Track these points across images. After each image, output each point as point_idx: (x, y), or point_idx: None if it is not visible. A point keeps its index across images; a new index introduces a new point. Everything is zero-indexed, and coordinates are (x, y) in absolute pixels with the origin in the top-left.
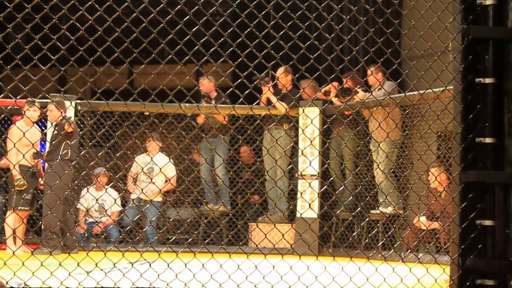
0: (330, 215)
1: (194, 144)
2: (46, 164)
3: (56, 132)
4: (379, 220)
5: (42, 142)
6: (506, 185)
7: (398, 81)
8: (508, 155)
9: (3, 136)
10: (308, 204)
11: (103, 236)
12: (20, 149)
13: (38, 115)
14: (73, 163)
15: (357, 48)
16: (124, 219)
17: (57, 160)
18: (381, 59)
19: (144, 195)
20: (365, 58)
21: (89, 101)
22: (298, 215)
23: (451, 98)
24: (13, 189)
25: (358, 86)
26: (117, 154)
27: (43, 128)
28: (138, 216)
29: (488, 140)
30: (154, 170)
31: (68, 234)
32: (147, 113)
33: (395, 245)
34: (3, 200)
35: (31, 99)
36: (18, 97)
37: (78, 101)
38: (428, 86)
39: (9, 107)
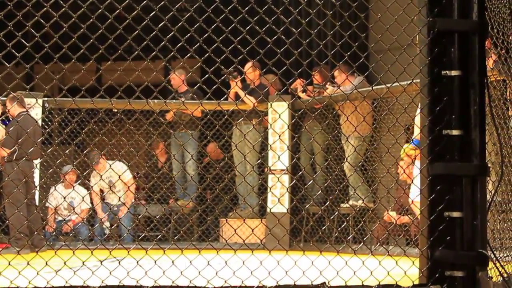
0: (300, 209)
1: (163, 140)
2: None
3: (10, 129)
4: (349, 214)
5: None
6: (473, 177)
7: (365, 74)
8: (475, 147)
9: None
10: (277, 199)
11: (72, 234)
12: None
13: None
14: (39, 161)
15: (324, 42)
16: (96, 220)
17: (20, 159)
18: (348, 53)
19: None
20: (333, 52)
21: (56, 98)
22: (268, 210)
23: (418, 91)
24: None
25: (328, 83)
26: (85, 152)
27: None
28: (106, 214)
29: (455, 132)
30: (113, 179)
31: (35, 233)
32: (115, 110)
33: (365, 239)
34: None
35: None
36: None
37: (45, 98)
38: (395, 79)
39: None
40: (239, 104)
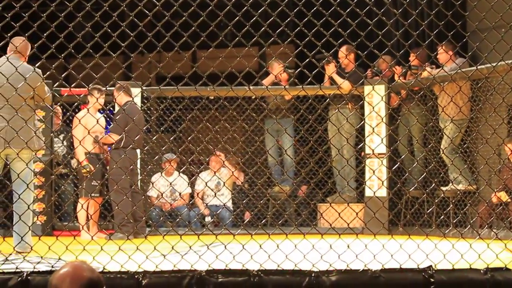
0: (398, 193)
1: (262, 126)
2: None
3: (118, 117)
4: (449, 197)
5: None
6: None
7: (469, 54)
8: None
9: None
10: (377, 183)
11: (177, 219)
12: (87, 137)
13: (101, 102)
14: (134, 149)
15: (426, 22)
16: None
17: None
18: (451, 33)
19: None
20: (435, 32)
21: (160, 87)
22: (367, 194)
23: None
24: (85, 177)
25: (426, 64)
26: (189, 138)
27: (112, 116)
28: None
29: None
30: (221, 184)
31: (143, 218)
32: (212, 97)
33: (472, 221)
34: (75, 188)
35: (96, 86)
36: (90, 85)
37: (145, 87)
38: (500, 58)
39: (81, 96)
40: (334, 88)
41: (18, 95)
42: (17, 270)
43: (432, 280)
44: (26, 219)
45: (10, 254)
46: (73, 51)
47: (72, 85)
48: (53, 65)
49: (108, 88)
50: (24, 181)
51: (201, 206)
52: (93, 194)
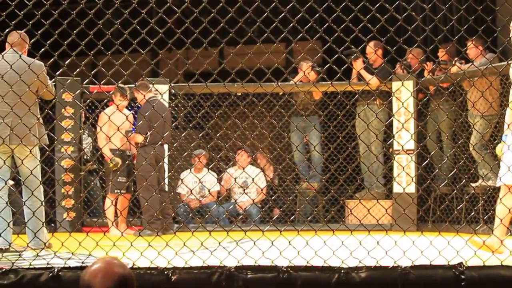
0: (427, 190)
1: (287, 123)
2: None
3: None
4: (479, 193)
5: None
6: None
7: (499, 49)
8: None
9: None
10: (405, 180)
11: (206, 216)
12: (111, 133)
13: (126, 101)
14: (161, 145)
15: (456, 16)
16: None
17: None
18: (481, 28)
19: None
20: (464, 27)
21: (188, 83)
22: (396, 190)
23: None
24: (111, 173)
25: (456, 59)
26: (218, 134)
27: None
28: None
29: None
30: (248, 183)
31: (171, 215)
32: (239, 94)
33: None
34: (103, 185)
35: (122, 85)
36: (119, 82)
37: (173, 84)
38: None
39: (110, 93)
40: (363, 84)
41: (19, 88)
42: (48, 265)
43: (462, 276)
44: (39, 216)
45: (41, 250)
46: (102, 48)
47: (102, 82)
48: (82, 62)
49: (133, 86)
50: (36, 177)
51: (234, 196)
52: (120, 191)
